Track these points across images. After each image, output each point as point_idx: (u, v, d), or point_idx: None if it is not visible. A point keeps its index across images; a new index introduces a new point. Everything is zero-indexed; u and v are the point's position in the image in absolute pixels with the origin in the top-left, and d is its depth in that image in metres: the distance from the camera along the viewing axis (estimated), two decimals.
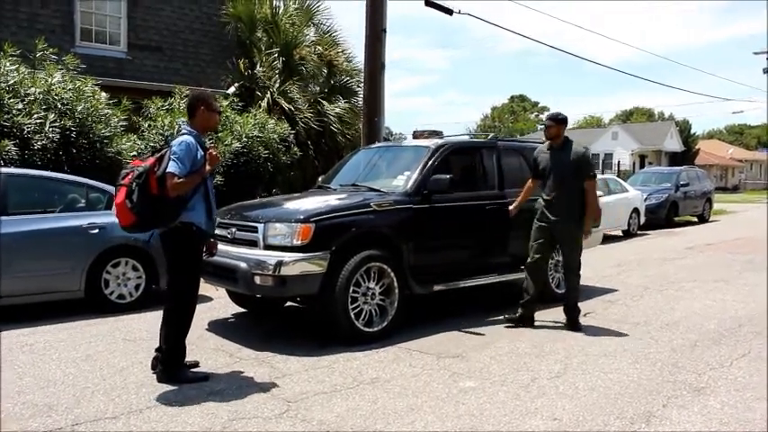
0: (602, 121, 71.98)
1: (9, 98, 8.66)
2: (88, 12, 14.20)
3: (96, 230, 6.68)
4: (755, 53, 35.20)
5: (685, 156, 48.72)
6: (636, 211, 15.77)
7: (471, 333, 5.94)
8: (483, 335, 5.87)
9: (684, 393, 4.35)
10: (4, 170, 6.77)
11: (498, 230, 6.77)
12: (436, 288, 6.20)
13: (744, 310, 6.96)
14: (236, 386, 4.45)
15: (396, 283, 5.77)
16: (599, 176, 15.76)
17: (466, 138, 8.02)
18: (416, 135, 7.67)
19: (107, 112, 9.75)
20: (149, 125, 11.05)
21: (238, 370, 4.82)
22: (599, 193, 9.33)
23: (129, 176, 4.26)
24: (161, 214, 4.28)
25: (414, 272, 5.99)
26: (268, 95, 15.05)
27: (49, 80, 9.22)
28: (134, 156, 9.88)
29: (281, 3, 16.64)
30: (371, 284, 5.64)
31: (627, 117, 71.31)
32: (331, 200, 6.02)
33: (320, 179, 7.68)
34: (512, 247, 6.88)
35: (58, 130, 8.77)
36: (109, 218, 6.69)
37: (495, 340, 5.70)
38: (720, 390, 4.44)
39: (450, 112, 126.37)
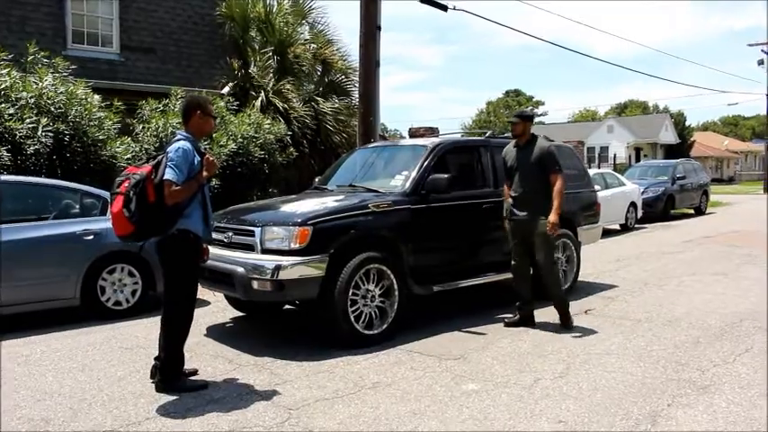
0: (598, 114, 72.02)
1: (0, 103, 8.57)
2: (80, 14, 14.07)
3: (91, 237, 6.60)
4: (750, 45, 35.33)
5: (681, 148, 48.70)
6: (633, 204, 15.75)
7: (472, 333, 5.90)
8: (484, 334, 5.83)
9: (689, 392, 4.31)
10: None
11: (495, 229, 6.71)
12: (436, 288, 6.14)
13: (744, 304, 6.93)
14: (236, 394, 4.39)
15: (395, 285, 5.71)
16: (595, 171, 15.81)
17: (458, 136, 7.96)
18: (412, 132, 7.62)
19: (100, 115, 9.67)
20: (143, 127, 10.97)
21: (238, 377, 4.76)
22: (596, 187, 9.32)
23: (126, 184, 4.17)
24: (159, 223, 4.21)
25: (413, 273, 5.94)
26: (262, 95, 14.94)
27: (41, 84, 9.13)
28: (129, 159, 9.82)
29: (275, 1, 16.52)
30: (371, 286, 5.58)
31: (621, 110, 71.28)
32: (328, 201, 5.95)
33: (317, 180, 7.61)
34: (509, 246, 6.82)
35: (51, 134, 8.67)
36: (104, 224, 6.63)
37: (496, 340, 5.65)
38: (725, 387, 4.40)
39: (445, 107, 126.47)
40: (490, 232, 6.71)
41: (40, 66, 9.64)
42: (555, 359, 5.07)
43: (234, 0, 15.55)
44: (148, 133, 10.78)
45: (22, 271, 6.18)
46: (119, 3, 14.49)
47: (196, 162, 4.32)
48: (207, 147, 10.35)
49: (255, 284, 5.22)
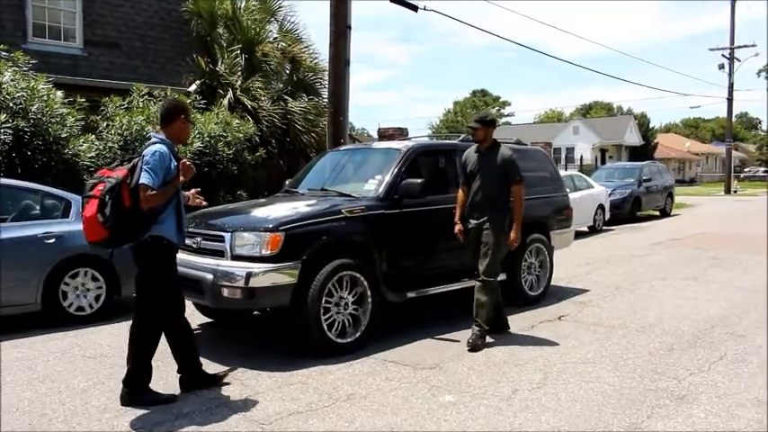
0: (563, 115, 72.77)
1: None
2: (41, 6, 13.66)
3: (53, 240, 6.35)
4: (711, 49, 35.92)
5: (645, 149, 49.54)
6: (601, 207, 15.89)
7: (446, 340, 5.81)
8: (458, 341, 5.73)
9: (667, 402, 4.28)
10: None
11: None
12: (410, 295, 6.03)
13: (715, 309, 6.97)
14: (206, 407, 4.22)
15: (369, 292, 5.58)
16: (563, 173, 15.84)
17: (427, 138, 7.87)
18: (382, 132, 7.52)
19: (63, 112, 9.39)
20: (107, 125, 10.68)
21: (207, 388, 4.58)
22: (566, 190, 9.32)
23: (100, 188, 3.99)
24: (133, 229, 4.04)
25: (386, 279, 5.82)
26: (230, 93, 14.70)
27: (0, 78, 8.79)
28: (92, 157, 9.54)
29: None
30: (344, 294, 5.44)
31: (587, 111, 72.22)
32: (300, 206, 5.80)
33: (287, 183, 7.44)
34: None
35: (10, 131, 8.37)
36: (66, 226, 6.40)
37: None
38: (702, 397, 4.37)
39: (412, 107, 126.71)
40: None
41: None
42: (532, 368, 5.00)
43: None
44: (112, 131, 10.48)
45: None
46: None
47: (173, 167, 4.16)
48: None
49: (226, 292, 5.05)
